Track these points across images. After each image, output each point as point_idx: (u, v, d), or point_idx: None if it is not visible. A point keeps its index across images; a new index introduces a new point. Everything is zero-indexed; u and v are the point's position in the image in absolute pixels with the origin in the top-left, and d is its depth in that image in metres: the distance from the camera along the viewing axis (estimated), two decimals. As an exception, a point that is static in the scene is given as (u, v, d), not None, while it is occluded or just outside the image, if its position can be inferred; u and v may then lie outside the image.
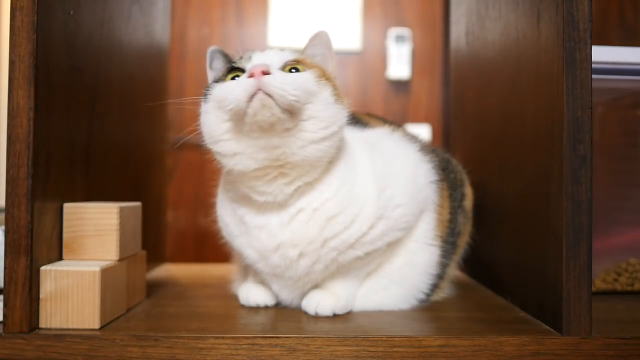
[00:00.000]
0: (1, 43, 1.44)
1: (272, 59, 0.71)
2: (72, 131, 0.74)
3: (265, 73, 0.65)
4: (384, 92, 1.59)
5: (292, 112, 0.67)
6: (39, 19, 0.65)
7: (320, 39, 0.77)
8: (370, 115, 0.97)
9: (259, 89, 0.65)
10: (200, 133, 0.73)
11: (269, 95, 0.65)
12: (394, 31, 1.55)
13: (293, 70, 0.71)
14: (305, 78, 0.69)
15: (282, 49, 0.76)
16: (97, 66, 0.82)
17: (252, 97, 0.65)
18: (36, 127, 0.65)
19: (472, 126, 1.11)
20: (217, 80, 0.74)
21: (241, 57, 0.74)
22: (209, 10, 1.52)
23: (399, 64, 1.57)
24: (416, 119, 1.59)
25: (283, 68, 0.71)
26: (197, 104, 0.74)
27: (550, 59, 0.70)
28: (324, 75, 0.72)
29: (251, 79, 0.65)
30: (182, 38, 1.48)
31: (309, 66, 0.72)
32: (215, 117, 0.70)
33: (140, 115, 1.03)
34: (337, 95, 0.72)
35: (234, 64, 0.73)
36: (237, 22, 1.54)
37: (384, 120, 0.95)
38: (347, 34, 1.53)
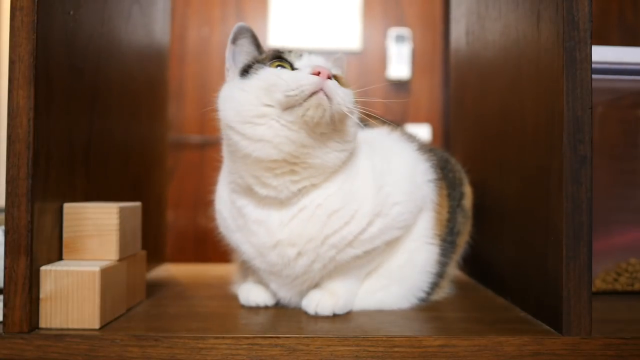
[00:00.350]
0: (1, 43, 1.44)
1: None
2: (72, 131, 0.74)
3: (329, 77, 0.68)
4: (384, 92, 1.59)
5: (336, 119, 0.69)
6: (38, 19, 0.65)
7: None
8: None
9: (321, 89, 0.67)
10: (219, 110, 0.73)
11: (329, 98, 0.67)
12: (394, 31, 1.55)
13: None
14: (352, 94, 0.73)
15: (326, 59, 0.77)
16: (97, 66, 0.82)
17: (313, 93, 0.67)
18: (36, 127, 0.65)
19: (472, 126, 1.11)
20: (258, 62, 0.74)
21: (290, 51, 0.75)
22: (209, 10, 1.51)
23: (399, 64, 1.56)
24: (416, 119, 1.59)
25: None
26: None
27: (550, 59, 0.70)
28: (355, 98, 0.75)
29: (317, 77, 0.67)
30: (182, 38, 1.48)
31: (344, 85, 0.74)
32: (255, 98, 0.69)
33: (140, 115, 1.03)
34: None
35: (281, 54, 0.74)
36: (237, 22, 1.54)
37: (383, 120, 0.95)
38: (347, 34, 1.53)
